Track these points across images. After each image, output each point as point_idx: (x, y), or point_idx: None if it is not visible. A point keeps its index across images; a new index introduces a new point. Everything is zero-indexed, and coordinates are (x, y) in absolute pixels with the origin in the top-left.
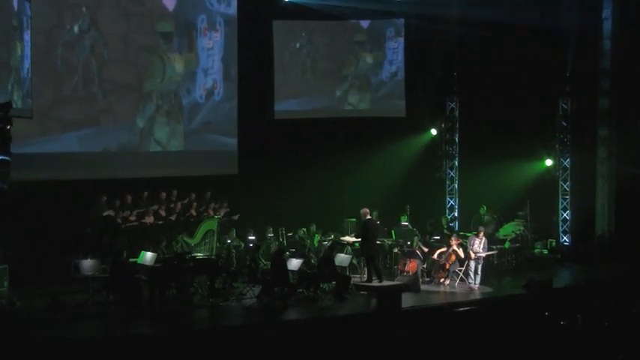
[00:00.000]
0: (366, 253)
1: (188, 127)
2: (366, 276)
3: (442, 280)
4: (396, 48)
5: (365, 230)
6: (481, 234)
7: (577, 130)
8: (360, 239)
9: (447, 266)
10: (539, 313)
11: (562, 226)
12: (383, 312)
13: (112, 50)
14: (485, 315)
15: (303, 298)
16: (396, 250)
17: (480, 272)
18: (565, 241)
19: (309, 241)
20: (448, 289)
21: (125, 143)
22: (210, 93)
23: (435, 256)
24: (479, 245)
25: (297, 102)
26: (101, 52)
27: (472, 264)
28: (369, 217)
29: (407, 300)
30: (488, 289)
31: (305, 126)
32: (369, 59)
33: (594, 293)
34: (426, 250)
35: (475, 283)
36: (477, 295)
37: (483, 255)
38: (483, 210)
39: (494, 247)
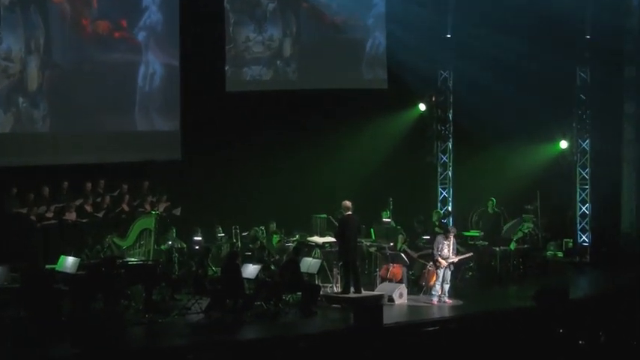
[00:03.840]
0: (344, 256)
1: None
2: (340, 285)
3: (432, 284)
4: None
5: (342, 228)
6: (451, 235)
7: (598, 106)
8: (335, 239)
9: (431, 284)
10: (552, 329)
11: (580, 223)
12: (361, 330)
13: None
14: (486, 332)
15: (262, 312)
16: (373, 249)
17: (449, 281)
18: (584, 240)
19: (267, 241)
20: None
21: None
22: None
23: (416, 255)
24: (448, 249)
25: (255, 70)
26: None
27: (441, 272)
28: (349, 212)
29: (390, 314)
30: (459, 302)
31: (264, 100)
32: None
33: (620, 305)
34: (413, 253)
35: (445, 295)
36: (476, 308)
37: (456, 260)
38: (492, 204)
39: (459, 249)
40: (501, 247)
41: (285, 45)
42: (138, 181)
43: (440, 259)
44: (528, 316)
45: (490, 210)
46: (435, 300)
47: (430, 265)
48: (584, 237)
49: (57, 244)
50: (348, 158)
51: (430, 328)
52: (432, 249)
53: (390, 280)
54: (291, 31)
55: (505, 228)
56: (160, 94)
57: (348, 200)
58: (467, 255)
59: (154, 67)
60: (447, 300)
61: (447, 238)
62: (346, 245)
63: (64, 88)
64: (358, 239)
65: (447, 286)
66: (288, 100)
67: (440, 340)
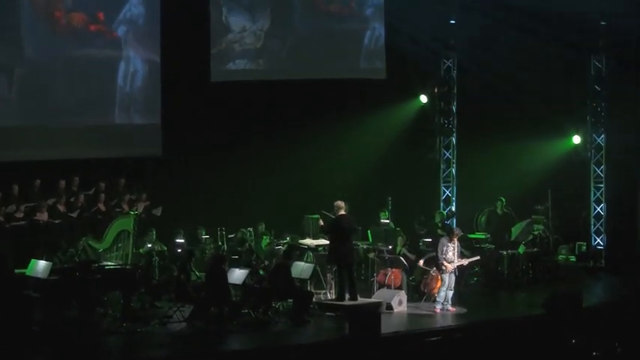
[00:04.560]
0: (338, 260)
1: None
2: (334, 292)
3: (436, 290)
4: None
5: (336, 230)
6: (455, 238)
7: (614, 97)
8: (328, 242)
9: (434, 291)
10: (563, 339)
11: (594, 225)
12: (357, 340)
13: None
14: (492, 343)
15: (250, 321)
16: (371, 253)
17: (453, 288)
18: (599, 244)
19: (255, 244)
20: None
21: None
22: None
23: (421, 263)
24: (453, 252)
25: (242, 60)
26: None
27: (446, 278)
28: (342, 212)
29: (389, 323)
30: (463, 310)
31: (251, 93)
32: None
33: (637, 313)
34: (413, 256)
35: (448, 303)
36: (482, 317)
37: (466, 263)
38: (501, 205)
39: (463, 252)
40: (509, 251)
41: (275, 34)
42: (115, 179)
43: (446, 264)
44: (538, 326)
45: (499, 210)
46: (438, 308)
47: (434, 271)
48: (598, 240)
49: (27, 246)
50: (343, 154)
51: (432, 338)
52: (436, 252)
53: (389, 286)
54: (284, 20)
55: (514, 232)
56: (141, 88)
57: (342, 200)
58: (473, 259)
59: (135, 63)
60: (450, 308)
61: (451, 240)
62: (342, 248)
63: (36, 83)
64: (354, 242)
65: (450, 293)
66: (279, 92)
67: (442, 351)
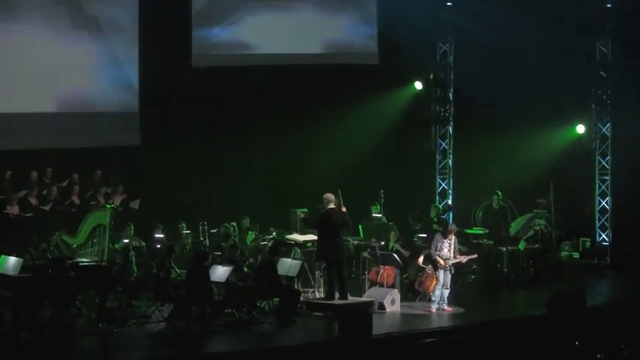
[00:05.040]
0: (327, 257)
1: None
2: (323, 290)
3: (431, 289)
4: None
5: (325, 224)
6: (450, 234)
7: (621, 84)
8: (317, 238)
9: (430, 290)
10: (567, 341)
11: (599, 219)
12: (347, 341)
13: None
14: (491, 344)
15: (234, 321)
16: (366, 254)
17: (449, 286)
18: (604, 240)
19: (239, 240)
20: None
21: None
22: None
23: (420, 261)
24: (449, 249)
25: (227, 43)
26: None
27: (441, 275)
28: (332, 206)
29: (381, 324)
30: (460, 310)
31: (237, 78)
32: None
33: None
34: (407, 253)
35: (444, 302)
36: (480, 317)
37: (464, 260)
38: (497, 198)
39: (460, 249)
40: (509, 247)
41: (260, 16)
42: (90, 170)
43: (439, 259)
44: (539, 326)
45: (495, 205)
46: (433, 307)
47: (429, 268)
48: (603, 235)
49: None
50: (333, 145)
51: (427, 340)
52: (430, 248)
53: (381, 285)
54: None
55: (513, 226)
56: (118, 72)
57: (331, 193)
58: (470, 256)
59: (111, 46)
60: (446, 307)
61: (446, 236)
62: (331, 244)
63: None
64: (344, 237)
65: (446, 292)
66: (265, 78)
67: (438, 353)
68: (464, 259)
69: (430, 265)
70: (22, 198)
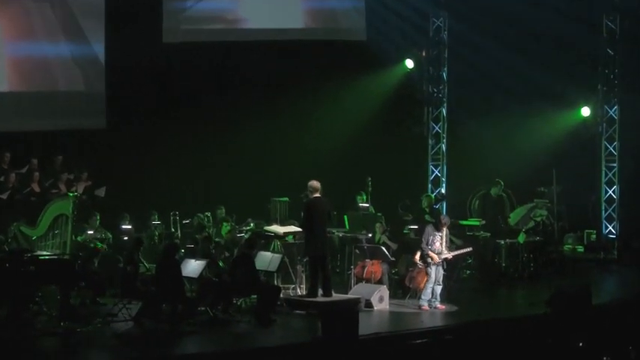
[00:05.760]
0: (311, 250)
1: None
2: (305, 286)
3: (422, 286)
4: None
5: (309, 215)
6: (443, 227)
7: (630, 63)
8: (303, 229)
9: (421, 286)
10: (570, 342)
11: (606, 210)
12: (331, 342)
13: None
14: (487, 345)
15: (208, 320)
16: (357, 245)
17: (441, 282)
18: (610, 232)
19: (214, 231)
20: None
21: None
22: None
23: (417, 258)
24: (440, 242)
25: (200, 16)
26: None
27: (433, 271)
28: (317, 195)
29: (368, 323)
30: (454, 308)
31: (211, 55)
32: None
33: None
34: (394, 245)
35: (436, 300)
36: (476, 316)
37: (450, 257)
38: (498, 189)
39: (454, 241)
40: (507, 240)
41: None
42: (51, 155)
43: (432, 254)
44: (540, 326)
45: (493, 193)
46: (425, 305)
47: (420, 263)
48: (610, 227)
49: None
50: (317, 128)
51: (418, 341)
52: (421, 242)
53: (368, 280)
54: None
55: (512, 217)
56: (80, 48)
57: (316, 180)
58: (464, 250)
59: (74, 19)
60: (438, 305)
61: (438, 229)
62: (315, 237)
63: None
64: (328, 229)
65: (438, 289)
66: (241, 55)
67: (430, 354)
68: (450, 254)
69: (420, 259)
70: None
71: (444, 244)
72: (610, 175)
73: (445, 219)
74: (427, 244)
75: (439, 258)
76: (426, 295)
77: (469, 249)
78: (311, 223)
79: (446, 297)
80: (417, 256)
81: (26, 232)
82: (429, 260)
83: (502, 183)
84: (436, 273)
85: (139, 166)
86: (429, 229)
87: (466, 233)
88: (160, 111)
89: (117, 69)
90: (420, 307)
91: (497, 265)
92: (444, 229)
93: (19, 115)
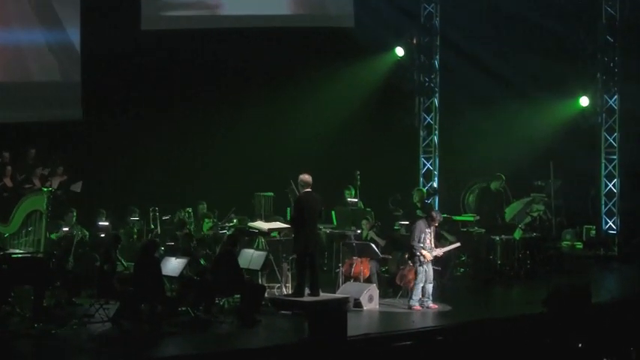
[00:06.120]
0: (301, 247)
1: None
2: (291, 285)
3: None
4: None
5: (300, 210)
6: (435, 223)
7: (631, 51)
8: (293, 226)
9: (411, 285)
10: (568, 343)
11: (606, 204)
12: (318, 343)
13: None
14: (481, 347)
15: (189, 321)
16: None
17: (432, 280)
18: (611, 228)
19: (196, 228)
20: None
21: None
22: None
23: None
24: (431, 239)
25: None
26: None
27: (423, 270)
28: (308, 190)
29: (357, 323)
30: (447, 308)
31: (192, 43)
32: None
33: None
34: (383, 242)
35: (428, 299)
36: (469, 316)
37: (441, 254)
38: (499, 183)
39: (447, 237)
40: (503, 236)
41: None
42: (24, 148)
43: (424, 252)
44: (537, 327)
45: (494, 188)
46: (416, 305)
47: (399, 280)
48: (610, 223)
49: None
50: (303, 120)
51: (408, 342)
52: (411, 238)
53: (357, 279)
54: None
55: (508, 212)
56: (55, 36)
57: (308, 174)
58: (453, 246)
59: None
60: (431, 305)
61: (430, 225)
62: (304, 233)
63: None
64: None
65: (430, 287)
66: (225, 43)
67: (421, 356)
68: (441, 252)
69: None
70: None
71: (432, 241)
72: (610, 167)
73: (437, 215)
74: (419, 242)
75: (432, 255)
76: (417, 294)
77: (457, 244)
78: (302, 218)
79: (439, 296)
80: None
81: None
82: (422, 259)
83: (504, 177)
84: (427, 271)
85: (117, 160)
86: (421, 225)
87: (460, 229)
88: (138, 102)
89: (93, 57)
90: (410, 307)
91: (492, 263)
92: (436, 224)
93: None
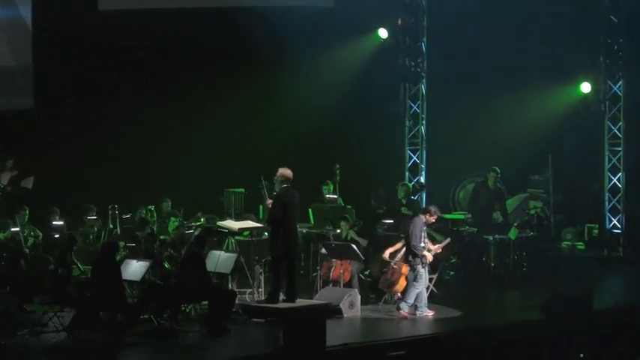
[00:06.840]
0: (281, 249)
1: None
2: (264, 291)
3: (397, 295)
4: None
5: (283, 207)
6: (432, 219)
7: (636, 33)
8: (271, 225)
9: (398, 289)
10: (569, 352)
11: (610, 201)
12: (295, 354)
13: None
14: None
15: (152, 330)
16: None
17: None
18: (615, 226)
19: (159, 227)
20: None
21: None
22: None
23: (387, 255)
24: (425, 237)
25: None
26: None
27: (422, 273)
28: (286, 185)
29: (337, 332)
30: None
31: (153, 25)
32: None
33: None
34: (364, 242)
35: (424, 306)
36: (461, 323)
37: (439, 251)
38: (495, 176)
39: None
40: (497, 236)
41: None
42: None
43: (426, 253)
44: (535, 334)
45: (491, 184)
46: (405, 311)
47: (395, 262)
48: (614, 221)
49: None
50: (277, 109)
51: (394, 353)
52: (410, 238)
53: (336, 283)
54: None
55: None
56: (4, 15)
57: (288, 168)
58: (445, 242)
59: None
60: (428, 311)
61: (428, 221)
62: (286, 233)
63: None
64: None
65: (425, 292)
66: (191, 24)
67: None
68: (439, 249)
69: (398, 259)
70: None
71: (426, 238)
72: (614, 160)
73: (434, 210)
74: (420, 241)
75: (431, 257)
76: (410, 299)
77: (448, 240)
78: (284, 217)
79: (428, 301)
80: (387, 253)
81: None
82: (424, 261)
83: (498, 171)
84: (424, 273)
85: (73, 153)
86: (420, 223)
87: (449, 228)
88: (95, 88)
89: (46, 40)
90: (399, 310)
91: (485, 265)
92: (433, 221)
93: None
